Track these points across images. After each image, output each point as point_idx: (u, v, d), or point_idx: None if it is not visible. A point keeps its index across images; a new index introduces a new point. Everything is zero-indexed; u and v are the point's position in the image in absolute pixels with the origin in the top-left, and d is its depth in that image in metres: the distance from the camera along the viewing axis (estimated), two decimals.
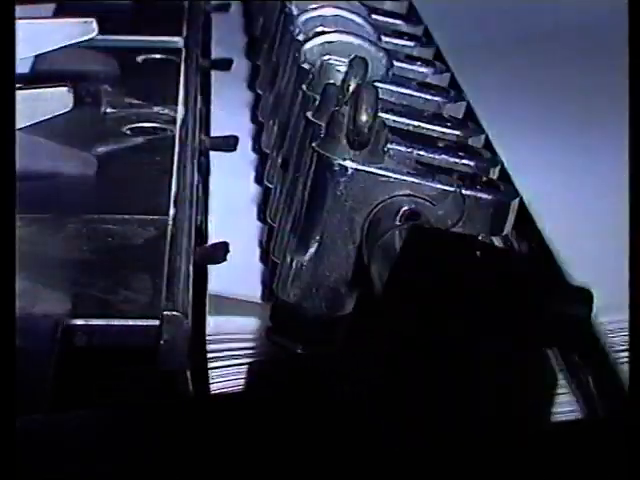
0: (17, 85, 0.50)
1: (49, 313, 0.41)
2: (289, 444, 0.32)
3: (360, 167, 0.40)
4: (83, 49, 0.57)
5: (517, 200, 0.41)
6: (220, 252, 0.49)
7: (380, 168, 0.40)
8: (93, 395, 0.40)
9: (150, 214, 0.47)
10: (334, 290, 0.42)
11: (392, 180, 0.40)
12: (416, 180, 0.40)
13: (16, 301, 0.36)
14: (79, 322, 0.41)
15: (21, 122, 0.51)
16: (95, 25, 0.55)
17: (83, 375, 0.40)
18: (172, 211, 0.48)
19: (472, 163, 0.42)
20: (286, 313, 0.44)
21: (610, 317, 0.43)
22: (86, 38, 0.55)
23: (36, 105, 0.52)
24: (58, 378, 0.38)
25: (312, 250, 0.42)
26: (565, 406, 0.41)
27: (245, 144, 0.60)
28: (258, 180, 0.56)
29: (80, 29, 0.55)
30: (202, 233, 0.51)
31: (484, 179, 0.41)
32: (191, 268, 0.45)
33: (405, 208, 0.40)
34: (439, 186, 0.40)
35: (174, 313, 0.41)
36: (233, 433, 0.33)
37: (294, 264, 0.42)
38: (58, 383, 0.38)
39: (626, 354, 0.43)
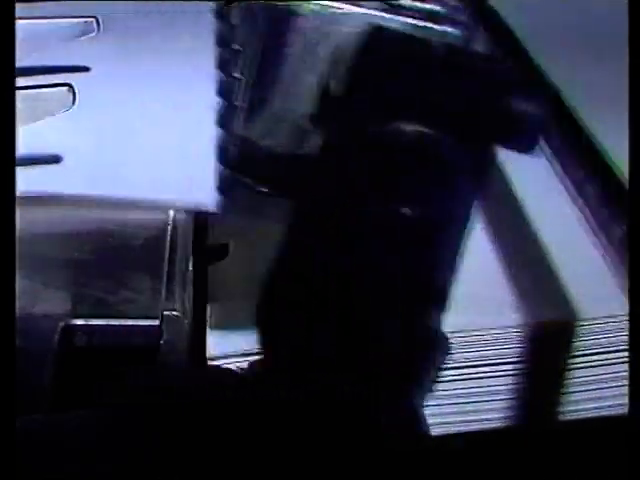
0: (17, 85, 0.50)
1: (49, 313, 0.41)
2: (289, 443, 0.32)
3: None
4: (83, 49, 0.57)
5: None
6: (220, 252, 0.49)
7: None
8: (93, 395, 0.40)
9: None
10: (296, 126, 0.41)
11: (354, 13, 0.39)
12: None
13: (16, 301, 0.36)
14: (79, 322, 0.41)
15: (21, 122, 0.51)
16: (95, 25, 0.55)
17: (83, 375, 0.40)
18: (172, 211, 0.48)
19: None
20: (248, 150, 0.43)
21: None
22: (86, 38, 0.55)
23: (36, 105, 0.52)
24: (58, 378, 0.38)
25: (275, 87, 0.40)
26: None
27: None
28: None
29: (80, 29, 0.55)
30: (202, 233, 0.51)
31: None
32: (191, 268, 0.45)
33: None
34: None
35: (174, 313, 0.41)
36: (233, 433, 0.33)
37: (257, 102, 0.41)
38: (58, 383, 0.38)
39: (626, 354, 0.43)
